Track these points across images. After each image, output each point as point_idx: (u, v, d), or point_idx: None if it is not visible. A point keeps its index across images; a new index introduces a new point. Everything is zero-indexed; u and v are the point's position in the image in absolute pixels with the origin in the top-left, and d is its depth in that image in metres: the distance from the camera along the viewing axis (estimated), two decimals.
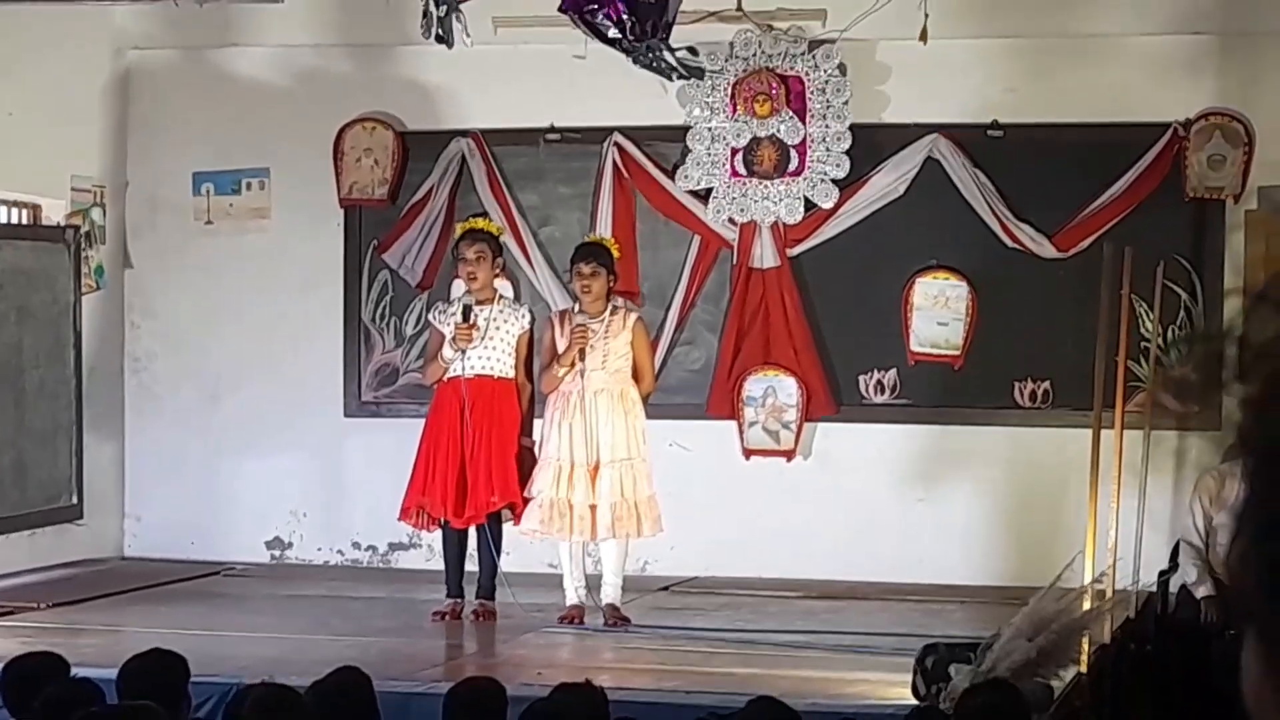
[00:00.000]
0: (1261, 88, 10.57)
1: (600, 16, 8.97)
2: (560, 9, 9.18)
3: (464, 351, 9.32)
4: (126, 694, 5.66)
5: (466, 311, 9.35)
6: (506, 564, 9.53)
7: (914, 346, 10.91)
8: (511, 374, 9.42)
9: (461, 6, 9.26)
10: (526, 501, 9.28)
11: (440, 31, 9.12)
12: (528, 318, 9.56)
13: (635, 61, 9.42)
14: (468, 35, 9.23)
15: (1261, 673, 1.13)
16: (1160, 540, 9.69)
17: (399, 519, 9.67)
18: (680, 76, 10.20)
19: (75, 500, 11.00)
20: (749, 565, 10.82)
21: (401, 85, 11.45)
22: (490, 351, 9.38)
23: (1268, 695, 1.12)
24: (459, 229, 9.71)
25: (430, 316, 9.97)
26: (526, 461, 9.36)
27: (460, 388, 9.33)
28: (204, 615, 9.50)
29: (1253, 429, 1.17)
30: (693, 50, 9.70)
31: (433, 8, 9.03)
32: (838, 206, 10.95)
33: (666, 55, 9.37)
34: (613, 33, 8.98)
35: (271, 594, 10.47)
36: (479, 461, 9.27)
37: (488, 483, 9.26)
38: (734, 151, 11.03)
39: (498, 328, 9.40)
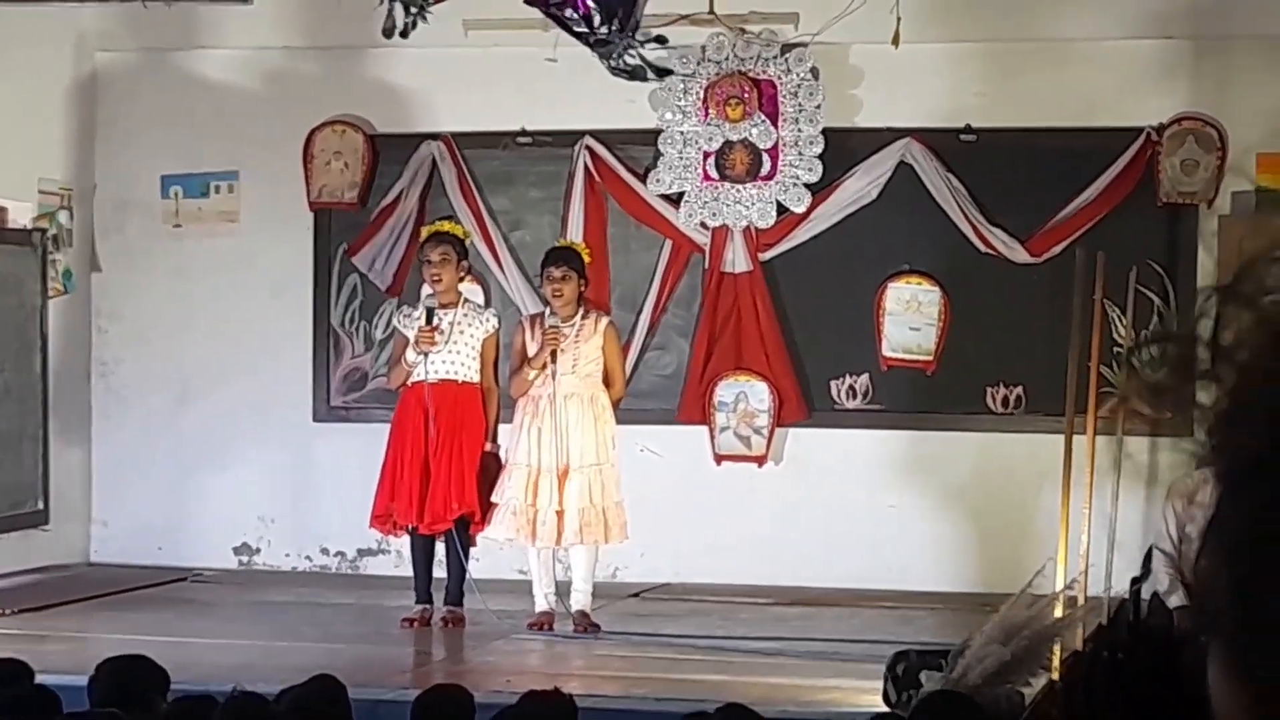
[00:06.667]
0: (1234, 92, 10.55)
1: (567, 10, 8.85)
2: (526, 0, 9.03)
3: (427, 355, 9.26)
4: (96, 700, 5.59)
5: (429, 314, 9.30)
6: (476, 570, 9.48)
7: (886, 352, 10.87)
8: (476, 378, 9.36)
9: (433, 8, 9.13)
10: (494, 507, 9.23)
11: (392, 26, 8.94)
12: (493, 321, 9.50)
13: (606, 63, 9.30)
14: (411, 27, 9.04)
15: (1228, 687, 1.10)
16: (1133, 547, 9.65)
17: (370, 526, 9.62)
18: (651, 77, 10.07)
19: (41, 505, 10.91)
20: (720, 571, 10.77)
21: (372, 88, 11.39)
22: (454, 355, 9.32)
23: (1235, 709, 1.09)
24: (425, 231, 9.68)
25: (395, 320, 9.92)
26: (492, 467, 9.31)
27: (424, 392, 9.27)
28: (171, 622, 9.43)
29: (1223, 436, 1.12)
30: (661, 39, 9.51)
31: (399, 10, 8.90)
32: (810, 211, 10.91)
33: (634, 53, 9.21)
34: (579, 28, 8.86)
35: (239, 600, 10.40)
36: (441, 468, 9.22)
37: (447, 490, 9.21)
38: (706, 155, 10.98)
39: (461, 331, 9.34)
